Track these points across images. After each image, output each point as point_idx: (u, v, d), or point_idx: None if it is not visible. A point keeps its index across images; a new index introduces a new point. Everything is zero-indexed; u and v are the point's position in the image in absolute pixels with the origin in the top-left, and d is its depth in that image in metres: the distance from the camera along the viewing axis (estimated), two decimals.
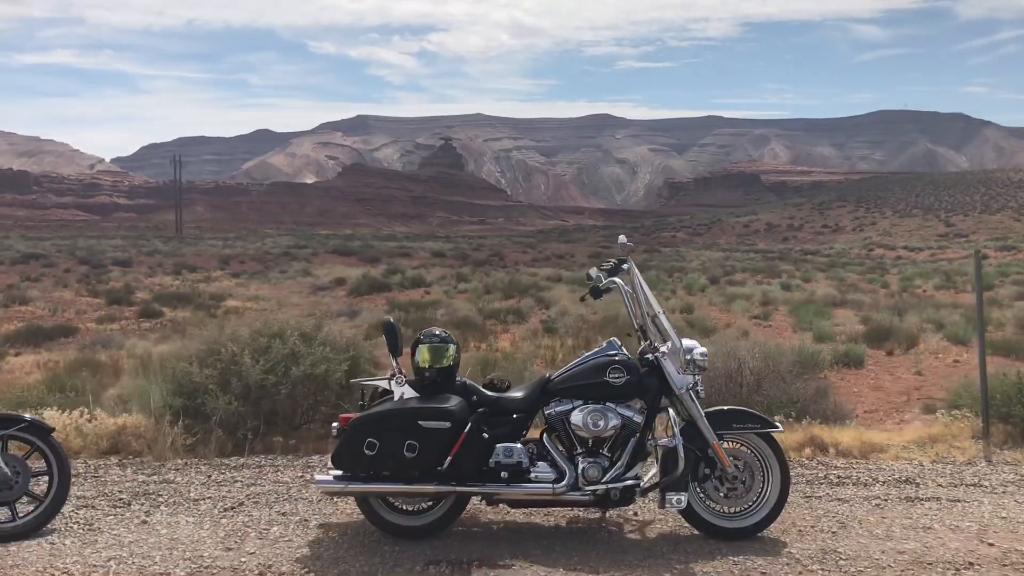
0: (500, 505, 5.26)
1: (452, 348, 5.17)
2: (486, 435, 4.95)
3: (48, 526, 5.14)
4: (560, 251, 76.47)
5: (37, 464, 5.22)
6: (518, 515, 5.45)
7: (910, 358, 17.30)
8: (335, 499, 5.67)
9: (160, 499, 5.72)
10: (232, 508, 5.55)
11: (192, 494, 5.82)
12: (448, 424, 4.90)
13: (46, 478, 5.19)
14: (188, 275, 49.32)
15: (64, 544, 4.94)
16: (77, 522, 5.28)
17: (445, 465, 4.90)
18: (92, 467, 6.40)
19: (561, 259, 66.87)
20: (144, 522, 5.29)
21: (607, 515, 5.44)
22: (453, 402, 4.97)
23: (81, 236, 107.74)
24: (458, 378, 5.18)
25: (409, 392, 5.06)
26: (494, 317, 23.95)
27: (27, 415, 5.51)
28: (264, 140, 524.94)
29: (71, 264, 52.63)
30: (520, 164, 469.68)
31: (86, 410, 7.07)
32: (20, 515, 5.09)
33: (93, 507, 5.55)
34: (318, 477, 5.04)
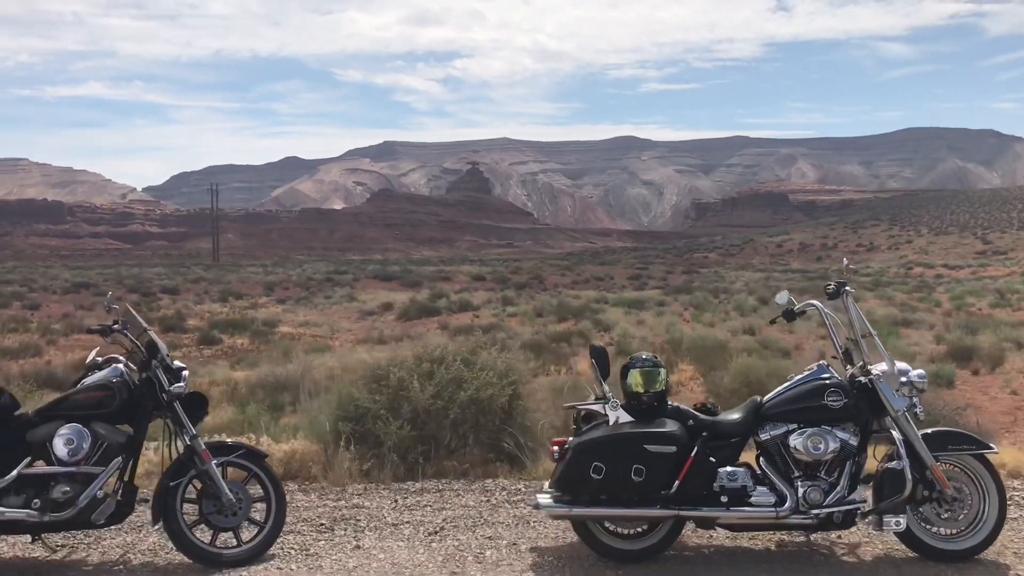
0: (709, 529, 5.27)
1: (663, 372, 5.21)
2: (712, 459, 4.98)
3: (268, 551, 5.22)
4: (598, 273, 76.48)
5: (254, 490, 5.30)
6: (724, 539, 5.44)
7: (998, 377, 17.13)
8: (533, 522, 5.71)
9: (360, 523, 5.77)
10: (435, 532, 5.59)
11: (388, 519, 5.87)
12: (674, 448, 4.92)
13: (263, 504, 5.26)
14: (235, 302, 49.90)
15: (291, 569, 5.01)
16: (292, 547, 5.34)
17: (672, 489, 4.92)
18: None
19: (600, 281, 66.87)
20: (358, 547, 5.35)
21: (811, 538, 5.42)
22: (674, 426, 5.01)
23: (121, 264, 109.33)
24: (669, 403, 5.22)
25: (624, 416, 5.10)
26: (559, 340, 23.95)
27: (232, 441, 5.64)
28: (292, 167, 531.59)
29: (121, 292, 53.40)
30: (546, 187, 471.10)
31: (253, 436, 7.18)
32: (244, 540, 5.17)
33: (299, 532, 5.62)
34: (541, 501, 5.06)
